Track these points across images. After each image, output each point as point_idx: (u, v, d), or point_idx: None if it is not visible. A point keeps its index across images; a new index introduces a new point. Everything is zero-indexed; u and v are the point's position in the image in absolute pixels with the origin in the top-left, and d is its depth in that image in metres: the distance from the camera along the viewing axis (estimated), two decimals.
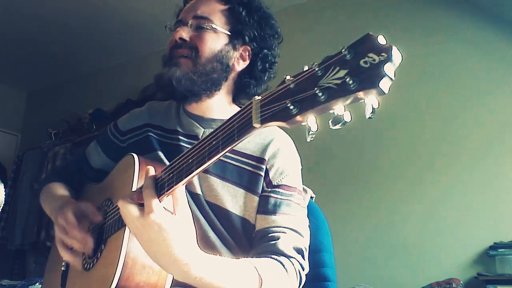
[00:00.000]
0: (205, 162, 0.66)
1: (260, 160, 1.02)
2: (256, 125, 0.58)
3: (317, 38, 3.19)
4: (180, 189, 0.72)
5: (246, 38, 1.09)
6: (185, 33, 1.06)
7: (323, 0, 3.32)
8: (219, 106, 1.11)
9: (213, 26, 1.06)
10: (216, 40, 1.06)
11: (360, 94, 0.47)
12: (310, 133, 0.53)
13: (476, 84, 2.62)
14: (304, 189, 1.20)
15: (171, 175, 0.72)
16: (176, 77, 1.02)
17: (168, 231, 0.70)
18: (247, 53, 1.11)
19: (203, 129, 1.08)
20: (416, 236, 2.56)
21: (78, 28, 3.84)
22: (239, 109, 1.16)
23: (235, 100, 1.17)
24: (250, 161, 1.03)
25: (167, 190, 0.71)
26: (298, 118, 0.53)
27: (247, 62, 1.11)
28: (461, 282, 2.25)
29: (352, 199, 2.82)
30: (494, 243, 2.31)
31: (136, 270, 0.83)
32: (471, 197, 2.47)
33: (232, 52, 1.08)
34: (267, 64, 1.13)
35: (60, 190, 1.16)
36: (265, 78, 1.15)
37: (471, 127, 2.57)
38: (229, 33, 1.08)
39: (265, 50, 1.12)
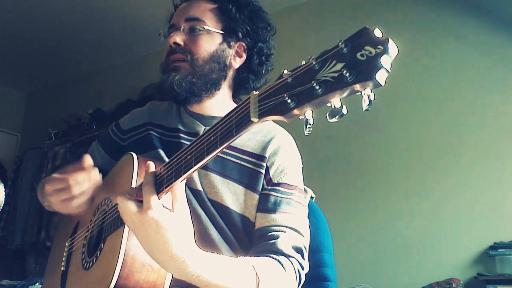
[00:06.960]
0: (203, 158, 0.66)
1: (261, 157, 1.02)
2: (254, 119, 0.58)
3: (317, 38, 3.19)
4: (179, 186, 0.72)
5: (239, 34, 1.10)
6: (178, 38, 1.06)
7: (323, 0, 3.32)
8: (220, 104, 1.12)
9: (206, 27, 1.06)
10: (210, 41, 1.07)
11: (357, 86, 0.47)
12: (308, 126, 0.53)
13: (479, 85, 2.62)
14: (304, 189, 1.21)
15: (170, 171, 0.72)
16: (177, 82, 1.03)
17: (166, 228, 0.70)
18: (242, 49, 1.11)
19: (204, 127, 1.08)
20: (416, 236, 2.56)
21: (78, 28, 3.84)
22: None
23: (235, 95, 1.17)
24: (250, 159, 1.03)
25: (166, 187, 0.71)
26: (296, 111, 0.53)
27: (244, 57, 1.12)
28: (461, 282, 2.25)
29: (352, 199, 2.82)
30: (494, 243, 2.31)
31: (135, 268, 0.83)
32: (471, 197, 2.47)
33: (228, 50, 1.09)
34: (263, 57, 1.14)
35: None
36: (263, 71, 1.16)
37: (472, 127, 2.57)
38: (222, 32, 1.08)
39: (260, 44, 1.12)
